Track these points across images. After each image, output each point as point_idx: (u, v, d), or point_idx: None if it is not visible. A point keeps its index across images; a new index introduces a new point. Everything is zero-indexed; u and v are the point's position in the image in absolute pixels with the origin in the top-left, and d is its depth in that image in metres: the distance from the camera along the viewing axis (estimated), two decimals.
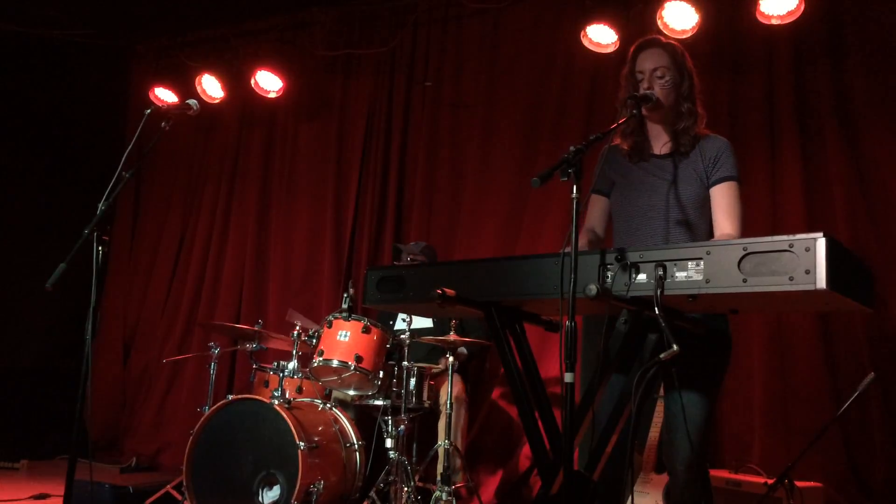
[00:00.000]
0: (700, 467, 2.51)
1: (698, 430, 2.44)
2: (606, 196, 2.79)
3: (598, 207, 2.81)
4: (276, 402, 3.78)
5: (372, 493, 3.91)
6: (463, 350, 4.14)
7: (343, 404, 4.33)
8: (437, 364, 4.49)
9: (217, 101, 6.09)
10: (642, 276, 1.98)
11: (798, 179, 4.42)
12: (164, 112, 3.33)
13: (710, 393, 2.50)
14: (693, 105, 2.64)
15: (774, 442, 4.19)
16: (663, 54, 2.63)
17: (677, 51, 2.66)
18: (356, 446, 4.04)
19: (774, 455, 4.08)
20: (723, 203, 2.57)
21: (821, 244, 1.73)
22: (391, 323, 4.55)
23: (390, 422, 4.06)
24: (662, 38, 2.70)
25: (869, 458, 4.07)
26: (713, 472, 3.70)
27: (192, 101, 3.38)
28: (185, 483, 3.82)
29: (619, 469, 2.30)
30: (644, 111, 2.61)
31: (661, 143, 2.71)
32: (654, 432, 3.30)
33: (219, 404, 3.89)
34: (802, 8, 4.31)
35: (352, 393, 4.25)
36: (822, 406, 4.10)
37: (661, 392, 2.79)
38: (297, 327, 4.21)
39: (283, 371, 4.08)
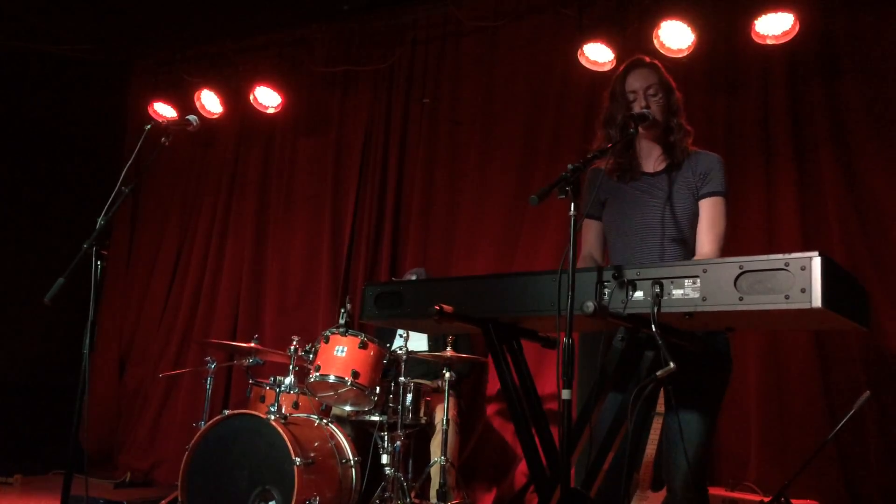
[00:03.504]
0: (699, 486, 2.51)
1: (696, 448, 2.44)
2: (599, 220, 2.82)
3: (592, 232, 2.83)
4: (273, 417, 3.77)
5: None
6: (451, 375, 4.13)
7: (339, 420, 4.33)
8: (433, 382, 4.49)
9: (216, 116, 6.11)
10: (639, 294, 1.99)
11: (793, 197, 4.44)
12: (163, 127, 3.33)
13: (709, 412, 2.50)
14: (681, 120, 2.69)
15: (770, 460, 4.19)
16: (652, 73, 2.69)
17: (662, 70, 2.72)
18: (352, 462, 4.03)
19: (770, 473, 4.08)
20: (706, 218, 2.61)
21: (816, 263, 1.74)
22: (388, 345, 4.54)
23: (386, 438, 4.06)
24: (647, 59, 2.75)
25: (864, 477, 4.06)
26: (709, 490, 3.69)
27: (191, 117, 3.38)
28: (180, 499, 3.81)
29: (616, 486, 2.30)
30: (641, 129, 2.63)
31: (652, 159, 2.73)
32: (651, 449, 3.29)
33: (215, 419, 3.88)
34: (797, 28, 4.36)
35: (348, 409, 4.25)
36: (817, 424, 4.10)
37: (660, 409, 2.79)
38: (295, 342, 4.20)
39: (279, 386, 4.08)
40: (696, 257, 2.57)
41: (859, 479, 4.07)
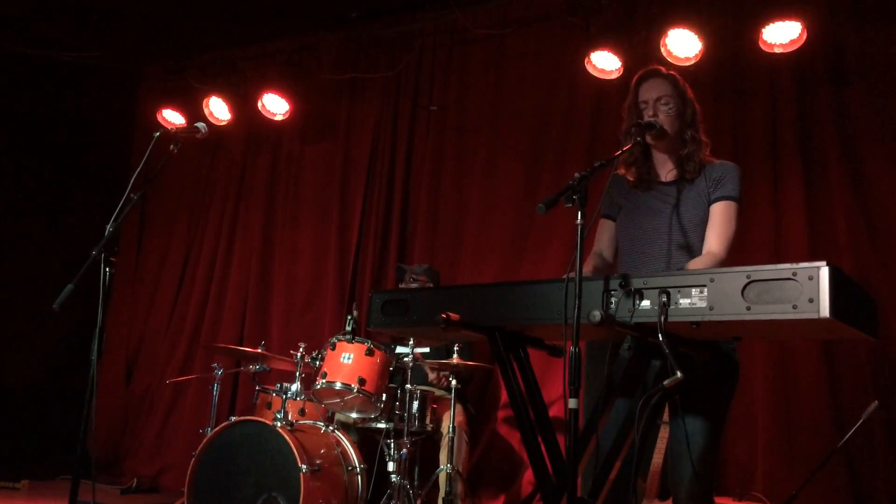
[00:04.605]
0: (704, 495, 2.50)
1: (702, 457, 2.44)
2: (615, 220, 2.82)
3: (606, 232, 2.84)
4: (279, 424, 3.77)
5: None
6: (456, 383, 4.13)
7: (345, 427, 4.32)
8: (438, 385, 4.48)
9: (224, 122, 6.14)
10: (646, 303, 1.99)
11: (800, 205, 4.43)
12: (172, 135, 3.35)
13: (715, 420, 2.49)
14: (696, 132, 2.69)
15: (778, 469, 4.17)
16: (666, 84, 2.68)
17: (678, 80, 2.72)
18: (358, 469, 4.02)
19: (778, 483, 4.06)
20: (715, 220, 2.61)
21: (824, 273, 1.74)
22: (393, 347, 4.54)
23: (392, 445, 4.05)
24: (663, 69, 2.75)
25: (872, 487, 4.04)
26: (717, 500, 3.68)
27: (200, 125, 3.40)
28: None
29: (623, 495, 2.29)
30: (649, 139, 2.65)
31: (666, 170, 2.74)
32: (658, 458, 3.28)
33: (221, 426, 3.89)
34: (805, 36, 4.35)
35: (354, 416, 4.25)
36: (825, 434, 4.08)
37: (666, 417, 2.78)
38: (301, 349, 4.21)
39: (285, 393, 4.08)
40: (702, 254, 2.56)
41: (868, 490, 4.05)
